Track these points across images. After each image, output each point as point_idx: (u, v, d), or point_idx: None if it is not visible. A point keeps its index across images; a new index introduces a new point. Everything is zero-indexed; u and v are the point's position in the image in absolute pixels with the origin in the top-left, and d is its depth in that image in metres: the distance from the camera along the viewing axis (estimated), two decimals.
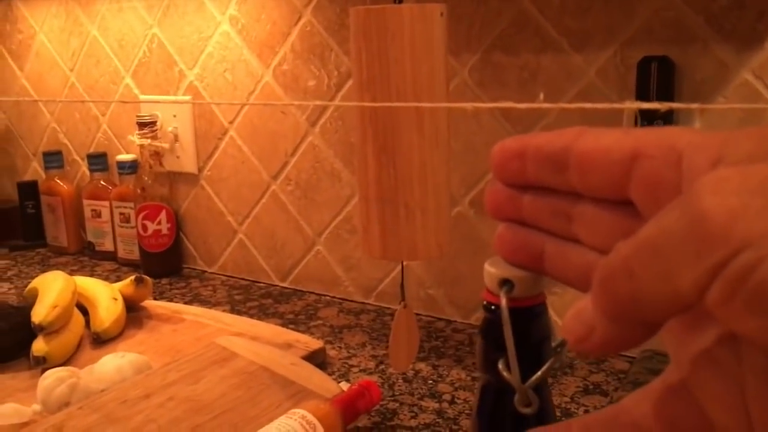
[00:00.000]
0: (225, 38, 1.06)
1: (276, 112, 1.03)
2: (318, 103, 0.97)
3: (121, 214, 1.21)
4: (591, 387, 0.75)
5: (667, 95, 0.74)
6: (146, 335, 0.87)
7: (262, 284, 1.10)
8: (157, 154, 1.14)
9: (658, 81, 0.74)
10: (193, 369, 0.71)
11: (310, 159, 1.01)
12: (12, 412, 0.66)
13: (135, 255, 1.21)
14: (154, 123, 1.13)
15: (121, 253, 1.23)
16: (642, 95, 0.75)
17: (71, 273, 1.16)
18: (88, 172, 1.31)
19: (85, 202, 1.26)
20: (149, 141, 1.13)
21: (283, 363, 0.73)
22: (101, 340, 0.84)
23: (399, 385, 0.75)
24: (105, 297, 0.88)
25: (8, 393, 0.73)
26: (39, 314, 0.77)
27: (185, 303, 1.02)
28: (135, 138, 1.13)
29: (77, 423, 0.61)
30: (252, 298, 1.05)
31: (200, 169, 1.15)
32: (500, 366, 0.31)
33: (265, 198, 1.08)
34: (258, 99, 1.05)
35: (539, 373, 0.30)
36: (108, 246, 1.26)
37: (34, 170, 1.41)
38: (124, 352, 0.72)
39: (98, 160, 1.25)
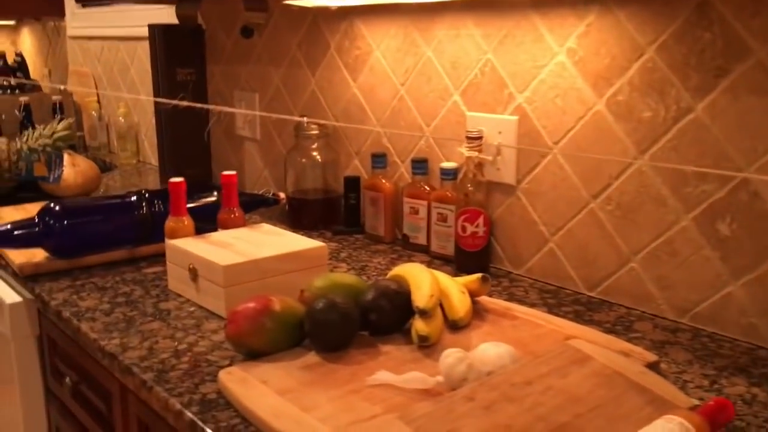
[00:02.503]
0: (560, 68, 1.18)
1: (603, 137, 1.13)
2: (626, 161, 1.05)
3: (439, 214, 1.38)
4: None
5: None
6: (490, 327, 1.02)
7: (568, 291, 1.22)
8: (480, 165, 1.29)
9: None
10: (559, 365, 0.83)
11: (635, 183, 1.10)
12: (419, 379, 0.83)
13: (448, 251, 1.37)
14: (481, 138, 1.28)
15: (434, 248, 1.40)
16: None
17: (391, 260, 1.36)
18: (406, 174, 1.50)
19: (405, 199, 1.45)
20: (477, 153, 1.28)
21: (633, 370, 0.84)
22: (456, 327, 0.99)
23: (739, 407, 0.83)
24: (455, 290, 1.04)
25: (400, 362, 0.90)
26: (422, 300, 0.95)
27: (504, 300, 1.16)
28: (464, 150, 1.29)
29: (484, 396, 0.76)
30: (564, 303, 1.16)
31: (518, 182, 1.28)
32: None
33: (582, 214, 1.18)
34: (587, 125, 1.15)
35: None
36: (421, 240, 1.44)
37: (355, 167, 1.63)
38: (497, 341, 0.86)
39: (421, 165, 1.43)
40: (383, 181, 1.51)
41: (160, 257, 1.39)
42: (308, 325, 0.92)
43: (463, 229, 1.31)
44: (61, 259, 1.31)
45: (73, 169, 1.92)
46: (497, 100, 1.29)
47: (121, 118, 2.57)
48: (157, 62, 2.06)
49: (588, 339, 0.95)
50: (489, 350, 0.84)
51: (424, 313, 0.94)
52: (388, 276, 1.09)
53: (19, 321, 1.30)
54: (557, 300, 1.18)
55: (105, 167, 2.37)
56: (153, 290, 1.22)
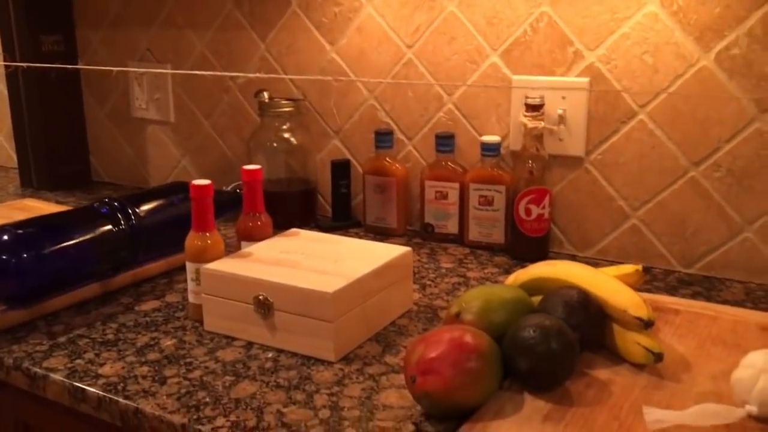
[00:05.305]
0: (650, 19, 1.03)
1: (710, 96, 1.02)
2: None
3: (481, 197, 1.18)
4: None
5: None
6: (670, 327, 0.86)
7: (658, 270, 1.10)
8: (540, 138, 1.12)
9: None
10: None
11: (754, 146, 1.00)
12: (716, 412, 0.65)
13: (493, 238, 1.18)
14: (542, 105, 1.10)
15: (474, 236, 1.20)
16: None
17: (428, 256, 1.15)
18: (416, 153, 1.28)
19: (428, 183, 1.23)
20: (542, 124, 1.10)
21: None
22: (648, 325, 0.81)
23: None
24: (623, 285, 0.85)
25: (646, 391, 0.71)
26: (639, 308, 0.76)
27: None
28: (525, 120, 1.10)
29: None
30: (673, 285, 1.04)
31: (588, 153, 1.13)
32: None
33: (678, 184, 1.06)
34: (688, 83, 1.03)
35: None
36: (451, 228, 1.23)
37: (334, 149, 1.36)
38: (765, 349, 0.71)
39: (447, 141, 1.21)
40: (392, 163, 1.26)
41: (139, 287, 1.03)
42: (527, 362, 0.69)
43: (528, 212, 1.12)
44: (19, 308, 0.90)
45: None
46: (557, 60, 1.12)
47: None
48: (12, 28, 1.57)
49: None
50: None
51: (650, 325, 0.75)
52: (519, 282, 0.89)
53: None
54: (664, 282, 1.05)
55: None
56: (186, 335, 0.89)
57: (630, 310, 0.76)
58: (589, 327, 0.77)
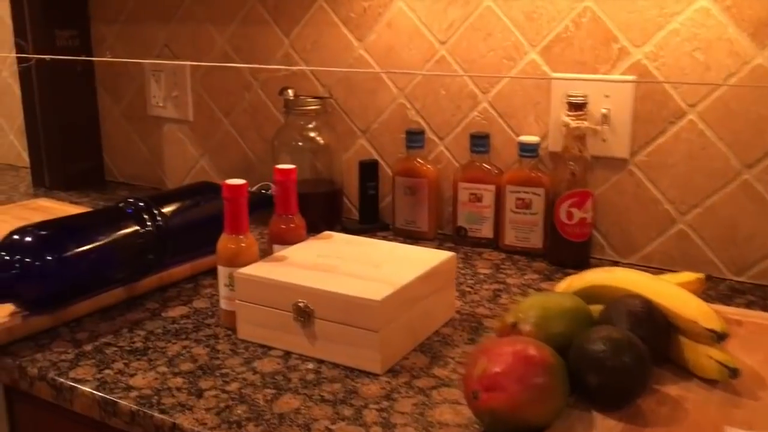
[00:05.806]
0: (702, 15, 0.99)
1: (765, 95, 0.97)
2: None
3: (519, 199, 1.13)
4: None
5: None
6: (739, 341, 0.80)
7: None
8: (582, 138, 1.07)
9: None
10: None
11: None
12: None
13: (531, 243, 1.14)
14: (585, 104, 1.06)
15: (510, 241, 1.15)
16: None
17: (464, 262, 1.10)
18: (447, 153, 1.23)
19: (462, 184, 1.18)
20: (586, 123, 1.05)
21: None
22: (722, 338, 0.75)
23: None
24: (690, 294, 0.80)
25: (721, 407, 0.66)
26: (712, 319, 0.71)
27: None
28: (568, 120, 1.05)
29: None
30: (725, 294, 0.99)
31: (632, 154, 1.08)
32: None
33: (730, 187, 1.02)
34: (742, 82, 0.98)
35: None
36: (485, 232, 1.18)
37: (361, 148, 1.31)
38: None
39: (482, 141, 1.16)
40: (424, 164, 1.21)
41: (165, 292, 0.98)
42: (597, 378, 0.64)
43: (569, 215, 1.07)
44: (42, 313, 0.85)
45: None
46: (601, 57, 1.07)
47: None
48: (26, 22, 1.52)
49: None
50: None
51: (724, 337, 0.70)
52: (573, 289, 0.84)
53: None
54: (715, 291, 1.00)
55: None
56: (218, 344, 0.84)
57: (700, 321, 0.71)
58: (655, 339, 0.72)
